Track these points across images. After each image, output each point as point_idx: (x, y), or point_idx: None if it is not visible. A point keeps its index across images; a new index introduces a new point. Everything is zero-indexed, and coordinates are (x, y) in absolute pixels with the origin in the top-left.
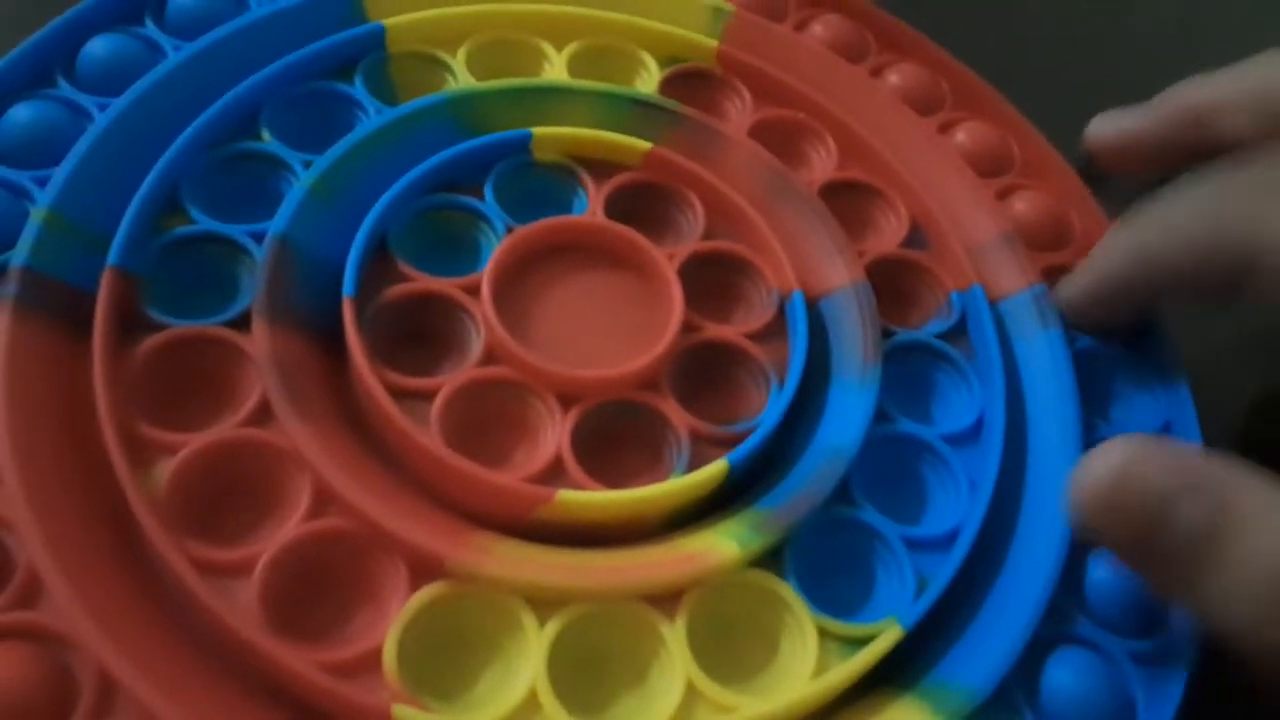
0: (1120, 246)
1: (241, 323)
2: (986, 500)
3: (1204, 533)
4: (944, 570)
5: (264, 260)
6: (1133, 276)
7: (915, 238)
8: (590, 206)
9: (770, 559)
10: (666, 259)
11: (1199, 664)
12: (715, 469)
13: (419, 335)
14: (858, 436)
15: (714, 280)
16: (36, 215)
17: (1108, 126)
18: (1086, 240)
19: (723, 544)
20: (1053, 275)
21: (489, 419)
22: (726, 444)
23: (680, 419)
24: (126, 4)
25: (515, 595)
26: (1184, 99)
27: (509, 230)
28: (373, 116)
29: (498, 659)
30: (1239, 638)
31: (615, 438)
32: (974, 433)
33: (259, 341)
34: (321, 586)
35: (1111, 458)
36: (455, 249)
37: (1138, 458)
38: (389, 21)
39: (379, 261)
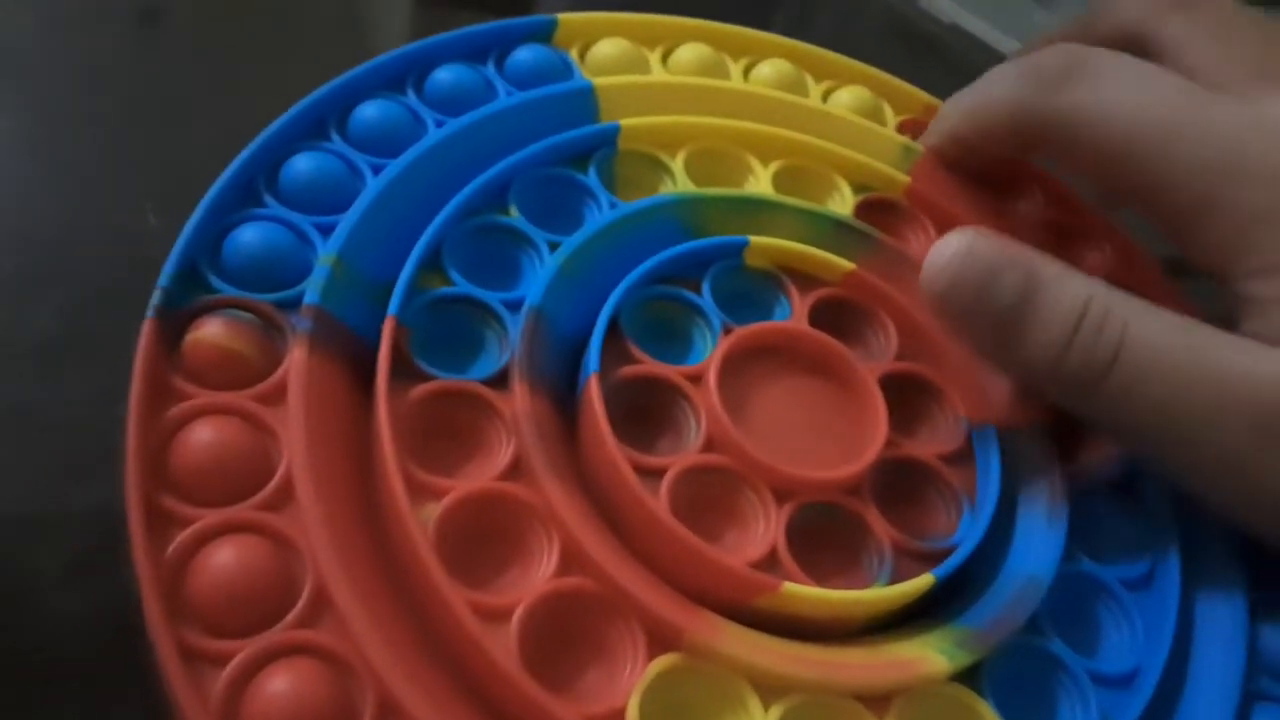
0: (933, 130)
1: (494, 381)
2: (1168, 647)
3: (1019, 296)
4: (1131, 708)
5: (523, 328)
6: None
7: None
8: (794, 315)
9: (967, 675)
10: (869, 374)
11: None
12: (922, 582)
13: (637, 412)
14: (1051, 569)
15: (902, 399)
16: (326, 260)
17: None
18: None
19: (932, 656)
20: None
21: (703, 502)
22: (921, 557)
23: (882, 528)
24: (391, 74)
25: (742, 676)
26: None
27: (725, 327)
28: (603, 204)
29: None
30: (1048, 384)
31: (817, 536)
32: (1146, 580)
33: (519, 402)
34: (562, 641)
35: (957, 239)
36: (670, 337)
37: (977, 239)
38: (625, 122)
39: (608, 341)
